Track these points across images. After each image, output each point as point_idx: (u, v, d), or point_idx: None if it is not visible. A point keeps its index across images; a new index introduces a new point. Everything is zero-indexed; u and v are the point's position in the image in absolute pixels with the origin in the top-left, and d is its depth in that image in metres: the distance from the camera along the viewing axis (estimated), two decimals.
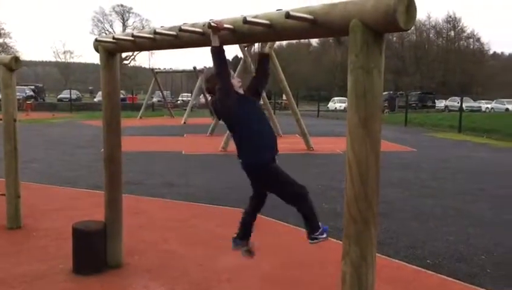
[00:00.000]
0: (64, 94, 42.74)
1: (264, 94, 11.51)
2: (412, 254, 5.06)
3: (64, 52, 70.75)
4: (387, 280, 4.19)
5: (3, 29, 54.91)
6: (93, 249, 4.34)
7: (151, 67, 41.41)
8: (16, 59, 5.62)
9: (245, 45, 9.16)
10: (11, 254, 4.81)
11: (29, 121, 23.19)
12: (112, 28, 63.76)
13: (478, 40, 67.89)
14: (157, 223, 6.01)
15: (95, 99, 43.90)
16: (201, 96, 34.14)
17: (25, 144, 9.14)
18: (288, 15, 2.49)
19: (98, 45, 4.31)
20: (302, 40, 60.07)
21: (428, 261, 4.87)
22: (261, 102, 7.93)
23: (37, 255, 4.78)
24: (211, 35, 2.95)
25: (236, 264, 4.37)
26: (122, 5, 65.04)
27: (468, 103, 36.81)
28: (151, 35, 3.67)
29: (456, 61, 63.00)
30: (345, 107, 39.57)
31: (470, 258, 4.98)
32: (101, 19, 64.33)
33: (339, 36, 2.77)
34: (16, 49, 54.19)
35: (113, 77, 4.39)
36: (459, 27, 67.07)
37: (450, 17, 66.96)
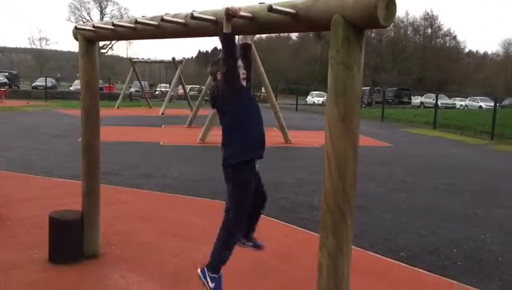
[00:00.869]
0: (39, 82, 41.61)
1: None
2: (386, 247, 5.17)
3: (40, 39, 69.45)
4: (363, 271, 4.28)
5: None
6: (70, 238, 4.30)
7: (129, 56, 40.85)
8: None
9: None
10: None
11: (2, 109, 22.70)
12: (90, 16, 62.60)
13: (454, 38, 69.32)
14: (135, 214, 5.99)
15: (71, 88, 42.97)
16: (179, 87, 33.93)
17: None
18: (270, 8, 2.51)
19: (77, 32, 4.26)
20: (282, 34, 60.03)
21: (402, 253, 5.00)
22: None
23: (11, 244, 4.72)
24: (224, 22, 2.93)
25: None
26: None
27: (443, 100, 37.34)
28: (132, 25, 3.65)
29: (433, 58, 63.98)
30: (323, 101, 39.78)
31: (441, 251, 5.12)
32: (79, 6, 63.15)
33: (321, 31, 2.80)
34: None
35: (92, 66, 4.34)
36: (436, 25, 68.21)
37: (428, 14, 68.11)
